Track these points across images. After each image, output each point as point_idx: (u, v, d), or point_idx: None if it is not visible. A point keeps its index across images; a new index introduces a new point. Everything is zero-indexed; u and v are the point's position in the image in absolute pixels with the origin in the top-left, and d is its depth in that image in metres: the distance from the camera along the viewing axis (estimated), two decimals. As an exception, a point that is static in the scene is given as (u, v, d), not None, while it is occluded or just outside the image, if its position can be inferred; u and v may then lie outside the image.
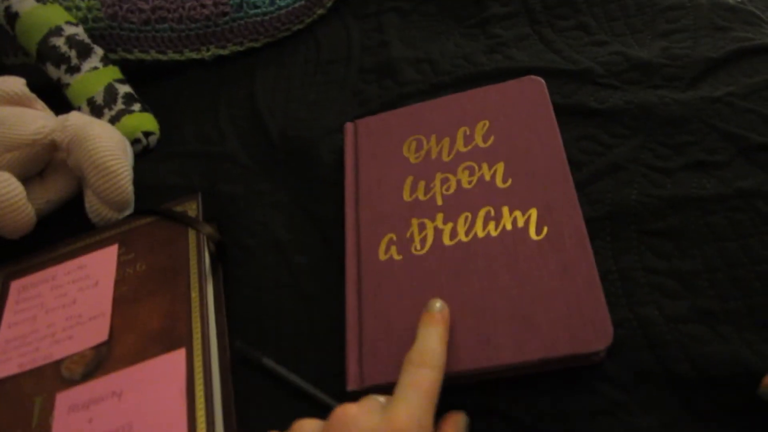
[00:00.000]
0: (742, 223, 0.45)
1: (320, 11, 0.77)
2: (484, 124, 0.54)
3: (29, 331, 0.51)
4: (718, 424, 0.38)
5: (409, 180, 0.52)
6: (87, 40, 0.69)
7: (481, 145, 0.53)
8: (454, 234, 0.48)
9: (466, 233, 0.47)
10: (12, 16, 0.69)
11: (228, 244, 0.56)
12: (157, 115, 0.69)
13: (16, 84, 0.61)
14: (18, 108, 0.60)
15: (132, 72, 0.72)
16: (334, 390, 0.45)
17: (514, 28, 0.66)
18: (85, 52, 0.68)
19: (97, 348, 0.48)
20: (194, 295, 0.49)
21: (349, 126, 0.59)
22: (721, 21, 0.59)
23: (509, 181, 0.49)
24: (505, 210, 0.48)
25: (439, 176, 0.52)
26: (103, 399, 0.45)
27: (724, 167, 0.48)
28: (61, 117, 0.59)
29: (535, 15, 0.66)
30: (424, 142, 0.55)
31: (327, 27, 0.75)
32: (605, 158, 0.51)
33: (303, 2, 0.75)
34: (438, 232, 0.48)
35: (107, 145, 0.57)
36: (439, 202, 0.50)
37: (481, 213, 0.48)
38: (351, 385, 0.43)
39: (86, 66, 0.68)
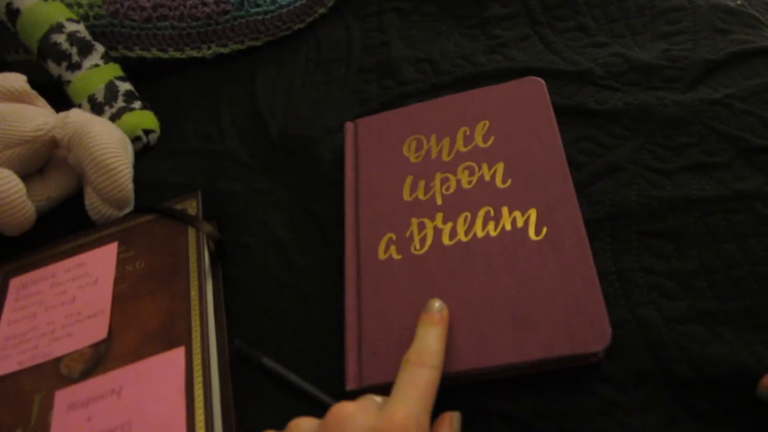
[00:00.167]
0: (740, 225, 0.45)
1: (321, 10, 0.77)
2: (484, 125, 0.54)
3: (29, 329, 0.51)
4: (717, 425, 0.38)
5: (409, 179, 0.52)
6: (88, 38, 0.69)
7: (481, 145, 0.53)
8: (453, 234, 0.48)
9: (466, 233, 0.48)
10: (13, 13, 0.69)
11: (228, 243, 0.56)
12: (157, 113, 0.69)
13: (17, 80, 0.61)
14: (19, 105, 0.60)
15: (133, 69, 0.72)
16: (333, 389, 0.45)
17: (515, 28, 0.66)
18: (86, 50, 0.68)
19: (96, 346, 0.48)
20: (193, 293, 0.49)
21: (349, 125, 0.59)
22: (720, 23, 0.59)
23: (509, 182, 0.50)
24: (505, 210, 0.48)
25: (438, 176, 0.52)
26: (102, 397, 0.45)
27: (724, 169, 0.48)
28: (62, 114, 0.59)
29: (535, 16, 0.66)
30: (424, 142, 0.55)
31: (328, 26, 0.75)
32: (605, 159, 0.51)
33: (304, 1, 0.75)
34: (437, 232, 0.48)
35: (108, 143, 0.57)
36: (439, 202, 0.50)
37: (481, 213, 0.48)
38: (350, 385, 0.43)
39: (87, 63, 0.68)
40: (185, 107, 0.71)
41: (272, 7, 0.73)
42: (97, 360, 0.47)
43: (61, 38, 0.67)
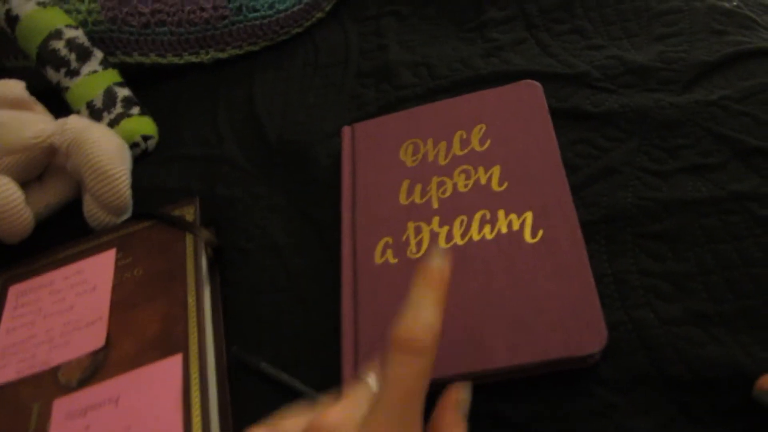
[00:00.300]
0: (736, 226, 0.45)
1: (319, 15, 0.77)
2: (481, 128, 0.54)
3: (27, 337, 0.51)
4: (714, 427, 0.38)
5: (405, 183, 0.53)
6: (87, 44, 0.69)
7: (478, 148, 0.53)
8: (449, 237, 0.48)
9: (462, 236, 0.48)
10: (12, 19, 0.69)
11: (226, 248, 0.56)
12: (156, 119, 0.70)
13: (16, 87, 0.62)
14: (17, 111, 0.60)
15: (131, 75, 0.73)
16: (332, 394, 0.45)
17: (511, 32, 0.66)
18: (84, 56, 0.69)
19: (95, 354, 0.48)
20: (191, 300, 0.49)
21: (346, 130, 0.59)
22: (717, 25, 0.59)
23: (505, 185, 0.50)
24: (501, 213, 0.48)
25: (435, 180, 0.52)
26: (100, 405, 0.45)
27: (719, 170, 0.48)
28: (60, 121, 0.59)
29: (532, 19, 0.66)
30: (421, 146, 0.55)
31: (325, 30, 0.76)
32: (601, 161, 0.52)
33: (302, 6, 0.75)
34: (434, 236, 0.48)
35: (106, 150, 0.57)
36: (435, 206, 0.50)
37: (477, 216, 0.48)
38: (347, 389, 0.43)
39: (86, 69, 0.68)
40: (184, 112, 0.71)
41: (270, 12, 0.74)
42: (95, 368, 0.47)
43: (59, 44, 0.68)
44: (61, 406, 0.46)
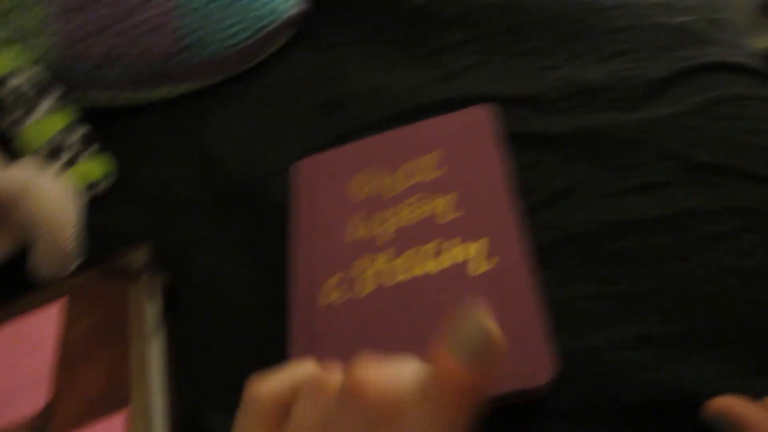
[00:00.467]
0: (687, 245, 0.45)
1: (276, 45, 0.77)
2: (433, 156, 0.54)
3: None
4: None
5: (354, 219, 0.52)
6: (43, 83, 0.69)
7: (430, 177, 0.52)
8: (399, 271, 0.47)
9: (412, 270, 0.47)
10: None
11: (178, 294, 0.54)
12: (114, 157, 0.69)
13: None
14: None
15: (90, 113, 0.72)
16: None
17: (467, 56, 0.66)
18: (41, 95, 0.68)
19: (38, 415, 0.46)
20: (136, 352, 0.47)
21: (297, 166, 0.58)
22: (667, 41, 0.60)
23: (457, 213, 0.49)
24: (452, 243, 0.47)
25: (385, 212, 0.51)
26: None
27: (669, 188, 0.48)
28: (3, 171, 0.58)
29: (487, 43, 0.66)
30: (373, 177, 0.54)
31: (283, 62, 0.75)
32: (554, 184, 0.51)
33: (257, 39, 0.75)
34: (382, 272, 0.47)
35: (52, 201, 0.55)
36: (385, 239, 0.49)
37: (428, 248, 0.48)
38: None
39: (42, 108, 0.67)
40: (140, 150, 0.70)
41: (226, 46, 0.73)
42: (41, 429, 0.45)
43: (15, 84, 0.67)
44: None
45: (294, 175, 0.58)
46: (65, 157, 0.66)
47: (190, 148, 0.68)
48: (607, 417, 0.39)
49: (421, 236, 0.48)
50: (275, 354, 0.48)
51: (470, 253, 0.46)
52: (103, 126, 0.72)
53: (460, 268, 0.45)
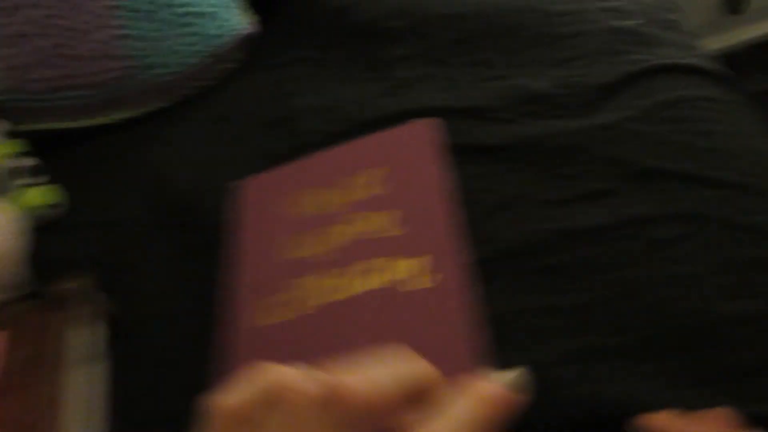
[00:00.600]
0: (634, 252, 0.44)
1: (229, 66, 0.76)
2: (377, 172, 0.53)
3: None
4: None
5: (295, 237, 0.50)
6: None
7: (373, 193, 0.51)
8: (340, 290, 0.46)
9: (352, 288, 0.45)
10: None
11: (122, 319, 0.53)
12: (65, 185, 0.67)
13: None
14: None
15: (38, 140, 0.70)
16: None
17: (415, 68, 0.65)
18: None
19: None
20: (72, 381, 0.46)
21: (239, 185, 0.57)
22: (617, 45, 0.59)
23: (400, 230, 0.48)
24: (395, 260, 0.46)
25: (327, 230, 0.50)
26: None
27: (614, 195, 0.47)
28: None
29: (435, 55, 0.65)
30: (316, 195, 0.53)
31: (233, 82, 0.74)
32: (498, 195, 0.50)
33: (210, 60, 0.74)
34: (322, 291, 0.46)
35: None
36: (327, 258, 0.48)
37: (370, 264, 0.46)
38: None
39: (-11, 139, 0.66)
40: (92, 176, 0.69)
41: (178, 68, 0.72)
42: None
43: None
44: None
45: (236, 195, 0.56)
46: (11, 187, 0.64)
47: (139, 172, 0.67)
48: (553, 433, 0.38)
49: (363, 253, 0.47)
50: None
51: (413, 270, 0.45)
52: (51, 153, 0.71)
53: (401, 284, 0.44)
